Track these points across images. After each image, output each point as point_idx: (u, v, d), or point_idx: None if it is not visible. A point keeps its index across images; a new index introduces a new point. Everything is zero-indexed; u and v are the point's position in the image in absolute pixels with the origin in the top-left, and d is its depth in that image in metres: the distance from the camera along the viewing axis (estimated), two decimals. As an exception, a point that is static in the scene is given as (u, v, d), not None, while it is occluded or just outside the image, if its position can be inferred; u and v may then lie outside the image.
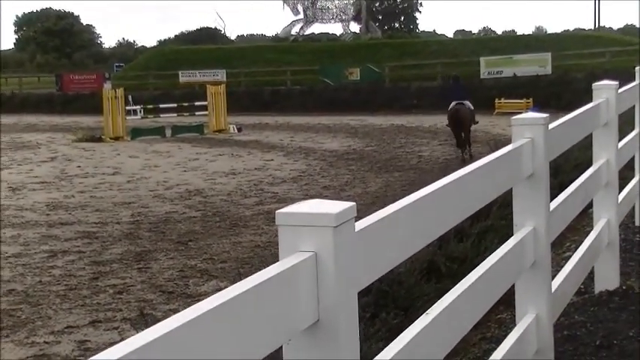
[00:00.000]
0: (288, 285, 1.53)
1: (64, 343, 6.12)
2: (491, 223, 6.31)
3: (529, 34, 61.97)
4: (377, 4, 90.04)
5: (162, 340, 1.21)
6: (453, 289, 2.45)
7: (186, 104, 28.81)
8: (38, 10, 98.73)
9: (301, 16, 54.08)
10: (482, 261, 2.84)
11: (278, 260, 1.60)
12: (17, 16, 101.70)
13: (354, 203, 1.68)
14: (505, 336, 3.27)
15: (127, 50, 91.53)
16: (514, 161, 3.03)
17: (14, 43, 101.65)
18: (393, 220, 1.99)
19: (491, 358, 2.84)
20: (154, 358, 1.19)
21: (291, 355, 1.63)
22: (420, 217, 2.20)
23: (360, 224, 1.79)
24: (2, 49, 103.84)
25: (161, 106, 29.58)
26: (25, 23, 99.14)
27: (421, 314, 2.27)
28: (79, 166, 17.69)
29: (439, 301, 2.35)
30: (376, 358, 1.94)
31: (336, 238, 1.60)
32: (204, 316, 1.29)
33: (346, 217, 1.64)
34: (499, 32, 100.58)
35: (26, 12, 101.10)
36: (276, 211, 1.63)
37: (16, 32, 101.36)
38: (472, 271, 2.64)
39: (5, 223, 11.08)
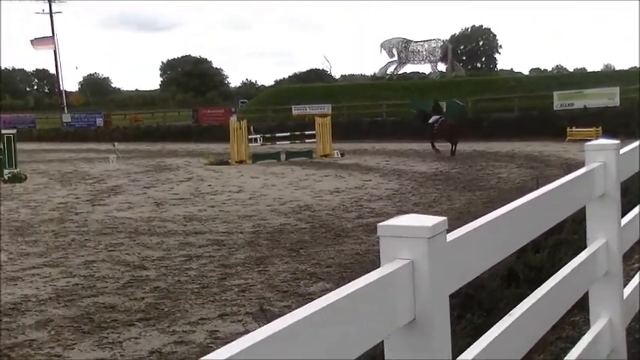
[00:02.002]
0: (389, 288, 1.51)
1: (198, 332, 6.22)
2: (564, 237, 6.07)
3: (598, 71, 59.76)
4: (461, 47, 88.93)
5: (285, 331, 1.21)
6: (533, 293, 2.36)
7: (297, 133, 29.24)
8: (180, 57, 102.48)
9: (396, 58, 54.01)
10: (556, 270, 2.74)
11: (376, 265, 1.58)
12: (162, 62, 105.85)
13: (445, 218, 1.65)
14: (579, 337, 3.13)
15: (249, 89, 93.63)
16: (588, 182, 2.91)
17: (159, 84, 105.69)
18: (479, 233, 1.95)
19: (568, 355, 2.72)
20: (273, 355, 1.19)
21: (391, 348, 1.61)
22: (502, 231, 2.14)
23: (450, 236, 1.75)
24: (150, 89, 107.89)
25: (277, 135, 30.13)
26: (168, 68, 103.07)
27: (502, 316, 2.20)
28: (210, 185, 18.12)
29: (521, 303, 2.27)
30: (466, 351, 1.89)
31: (430, 247, 1.57)
32: (319, 311, 1.29)
33: (439, 229, 1.61)
34: (571, 69, 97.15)
35: (170, 58, 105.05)
36: (378, 224, 1.61)
37: (161, 75, 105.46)
38: (550, 278, 2.54)
39: (152, 232, 11.44)
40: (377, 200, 14.28)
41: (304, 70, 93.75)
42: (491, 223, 2.04)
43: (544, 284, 2.47)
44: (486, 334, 2.01)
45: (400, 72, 55.12)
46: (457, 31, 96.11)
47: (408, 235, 1.57)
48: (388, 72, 54.60)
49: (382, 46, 54.35)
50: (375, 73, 61.83)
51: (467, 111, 37.01)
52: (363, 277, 1.47)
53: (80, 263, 9.18)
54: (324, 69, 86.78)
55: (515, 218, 2.24)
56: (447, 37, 74.89)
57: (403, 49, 53.28)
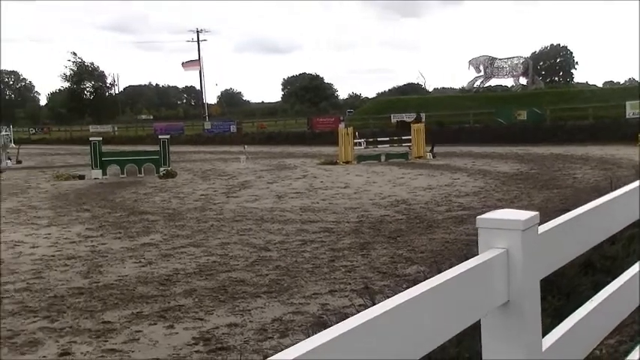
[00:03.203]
0: (486, 273, 1.46)
1: (311, 305, 6.26)
2: (638, 231, 5.67)
3: (669, 82, 55.41)
4: (541, 63, 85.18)
5: (402, 306, 1.19)
6: (614, 281, 2.22)
7: (396, 138, 28.93)
8: (297, 74, 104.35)
9: (482, 73, 52.49)
10: (630, 260, 2.56)
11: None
12: (283, 79, 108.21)
13: (537, 212, 1.58)
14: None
15: (354, 100, 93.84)
16: (666, 182, 2.70)
17: (281, 97, 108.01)
18: (567, 227, 1.85)
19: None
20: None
21: (487, 325, 1.56)
22: (586, 226, 2.03)
23: (541, 228, 1.67)
24: (273, 101, 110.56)
25: (378, 139, 29.95)
26: (288, 83, 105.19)
27: (580, 300, 2.08)
28: (322, 182, 18.24)
29: (602, 290, 2.14)
30: (552, 331, 1.80)
31: (523, 238, 1.51)
32: (429, 291, 1.26)
33: (532, 222, 1.55)
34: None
35: (289, 76, 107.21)
36: (477, 217, 1.56)
37: (282, 89, 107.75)
38: (630, 268, 2.38)
39: (274, 220, 11.64)
40: (464, 196, 13.92)
41: (402, 84, 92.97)
42: (577, 218, 1.94)
43: (624, 273, 2.31)
44: (570, 316, 1.91)
45: (486, 85, 53.50)
46: (537, 48, 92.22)
47: (504, 227, 1.52)
48: (475, 85, 53.12)
49: (470, 62, 52.97)
50: (463, 87, 60.34)
51: (545, 118, 35.42)
52: (464, 262, 1.43)
53: (217, 244, 9.48)
54: (419, 83, 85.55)
55: (598, 214, 2.12)
56: (528, 54, 71.95)
57: (489, 65, 51.73)
